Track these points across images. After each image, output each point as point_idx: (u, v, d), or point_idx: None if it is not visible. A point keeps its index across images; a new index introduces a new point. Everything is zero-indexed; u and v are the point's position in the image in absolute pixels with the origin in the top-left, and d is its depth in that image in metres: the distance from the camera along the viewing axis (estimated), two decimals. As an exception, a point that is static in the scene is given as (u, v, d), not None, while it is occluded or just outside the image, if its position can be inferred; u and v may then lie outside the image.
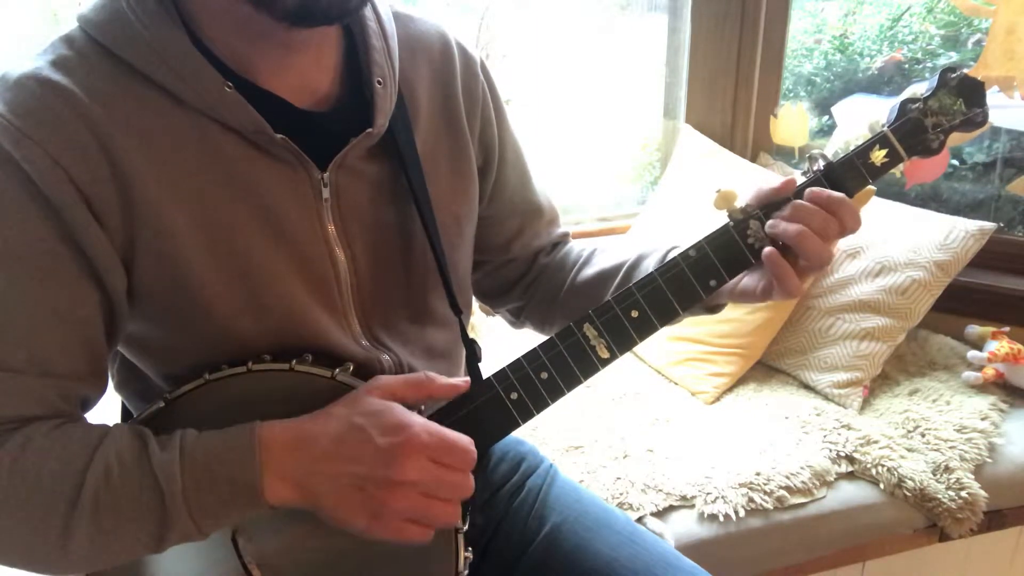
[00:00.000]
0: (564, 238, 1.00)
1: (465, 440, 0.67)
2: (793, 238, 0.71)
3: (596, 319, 0.74)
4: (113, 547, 0.62)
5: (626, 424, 1.42)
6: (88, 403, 0.69)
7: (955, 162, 1.80)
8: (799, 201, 0.73)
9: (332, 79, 0.73)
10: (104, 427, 0.66)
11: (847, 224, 0.73)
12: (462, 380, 0.72)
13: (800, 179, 0.76)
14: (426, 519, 0.66)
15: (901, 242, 1.53)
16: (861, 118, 1.76)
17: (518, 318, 1.01)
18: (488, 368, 0.77)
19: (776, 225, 0.73)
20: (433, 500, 0.65)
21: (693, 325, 1.56)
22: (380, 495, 0.64)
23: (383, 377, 0.70)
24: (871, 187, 0.76)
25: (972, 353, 1.55)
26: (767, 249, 0.72)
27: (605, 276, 0.89)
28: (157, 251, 0.66)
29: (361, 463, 0.64)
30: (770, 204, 0.74)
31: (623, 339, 0.75)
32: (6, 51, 1.51)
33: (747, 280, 0.77)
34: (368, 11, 0.74)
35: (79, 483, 0.61)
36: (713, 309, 0.83)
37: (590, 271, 0.91)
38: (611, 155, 2.02)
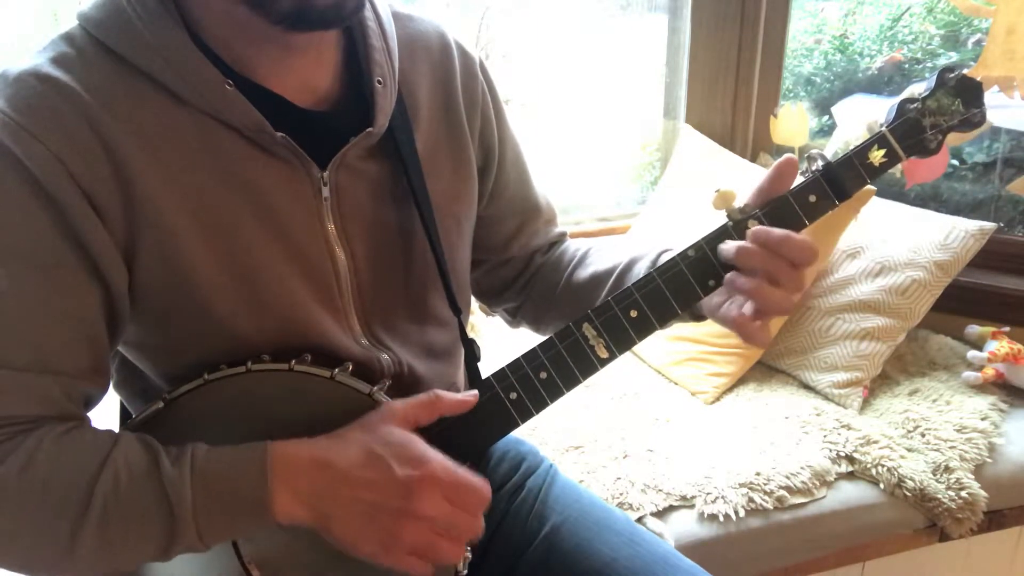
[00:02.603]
0: (561, 237, 1.00)
1: (480, 483, 0.67)
2: (751, 294, 0.70)
3: (595, 319, 0.74)
4: (118, 556, 0.62)
5: (626, 424, 1.42)
6: (91, 401, 0.69)
7: (955, 162, 1.80)
8: (743, 245, 0.70)
9: (332, 78, 0.73)
10: (113, 435, 0.65)
11: (798, 260, 0.69)
12: (471, 395, 0.72)
13: (799, 179, 0.75)
14: (431, 555, 0.66)
15: (901, 242, 1.53)
16: (861, 118, 1.76)
17: (514, 317, 1.01)
18: (487, 368, 0.77)
19: (733, 281, 0.71)
20: (442, 539, 0.65)
21: (693, 325, 1.55)
22: (393, 526, 0.64)
23: (398, 403, 0.69)
24: (870, 187, 0.76)
25: (972, 353, 1.54)
26: (738, 316, 0.72)
27: (598, 279, 0.89)
28: (158, 248, 0.66)
29: (378, 491, 0.64)
30: (769, 202, 0.74)
31: (622, 339, 0.75)
32: (6, 51, 1.51)
33: (726, 308, 0.76)
34: (368, 11, 0.74)
35: (88, 492, 0.61)
36: (700, 317, 0.83)
37: (583, 273, 0.91)
38: (611, 155, 2.02)
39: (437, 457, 0.66)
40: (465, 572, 0.73)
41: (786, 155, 0.74)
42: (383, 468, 0.64)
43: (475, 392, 0.73)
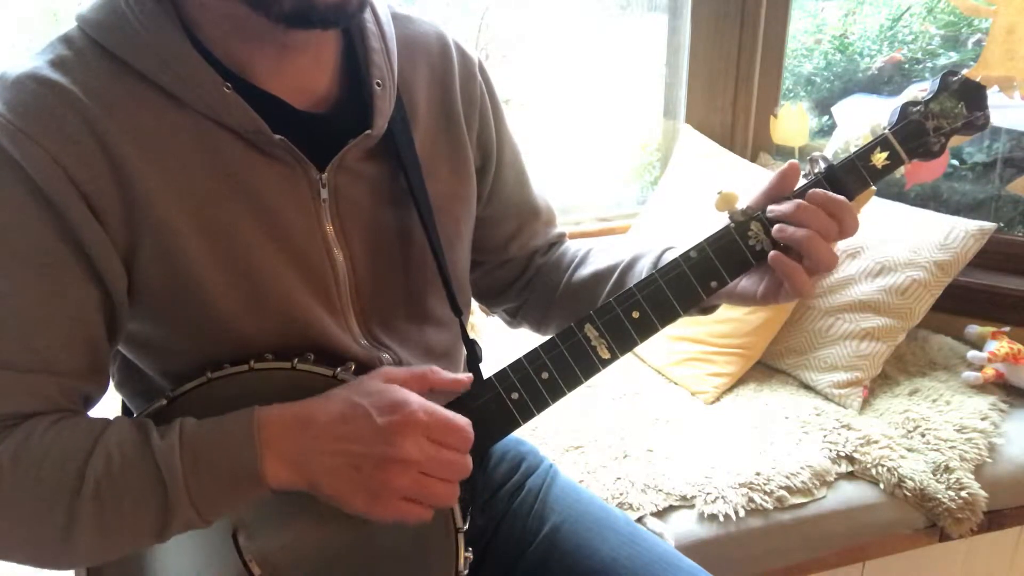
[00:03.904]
0: (560, 238, 1.00)
1: (462, 420, 0.67)
2: (801, 243, 0.71)
3: (597, 319, 0.74)
4: (116, 537, 0.62)
5: (626, 424, 1.42)
6: (90, 401, 0.70)
7: (955, 162, 1.80)
8: (802, 202, 0.72)
9: (331, 80, 0.73)
10: (105, 419, 0.66)
11: (847, 227, 0.72)
12: (465, 376, 0.73)
13: (802, 181, 0.75)
14: (424, 498, 0.66)
15: (901, 242, 1.53)
16: (861, 118, 1.76)
17: (514, 318, 1.01)
18: (488, 368, 0.77)
19: (783, 230, 0.72)
20: (431, 479, 0.65)
21: (693, 325, 1.56)
22: (378, 474, 0.64)
23: (391, 368, 0.70)
24: (871, 188, 0.76)
25: (972, 353, 1.55)
26: (772, 252, 0.72)
27: (600, 277, 0.89)
28: (157, 250, 0.66)
29: (359, 442, 0.64)
30: (772, 205, 0.74)
31: (624, 340, 0.75)
32: (6, 51, 1.51)
33: (746, 283, 0.77)
34: (367, 12, 0.74)
35: (80, 473, 0.61)
36: (707, 310, 0.83)
37: (585, 272, 0.91)
38: (611, 155, 2.02)
39: (417, 400, 0.66)
40: (466, 572, 0.73)
41: (790, 161, 0.75)
42: (363, 418, 0.64)
43: (469, 374, 0.73)
